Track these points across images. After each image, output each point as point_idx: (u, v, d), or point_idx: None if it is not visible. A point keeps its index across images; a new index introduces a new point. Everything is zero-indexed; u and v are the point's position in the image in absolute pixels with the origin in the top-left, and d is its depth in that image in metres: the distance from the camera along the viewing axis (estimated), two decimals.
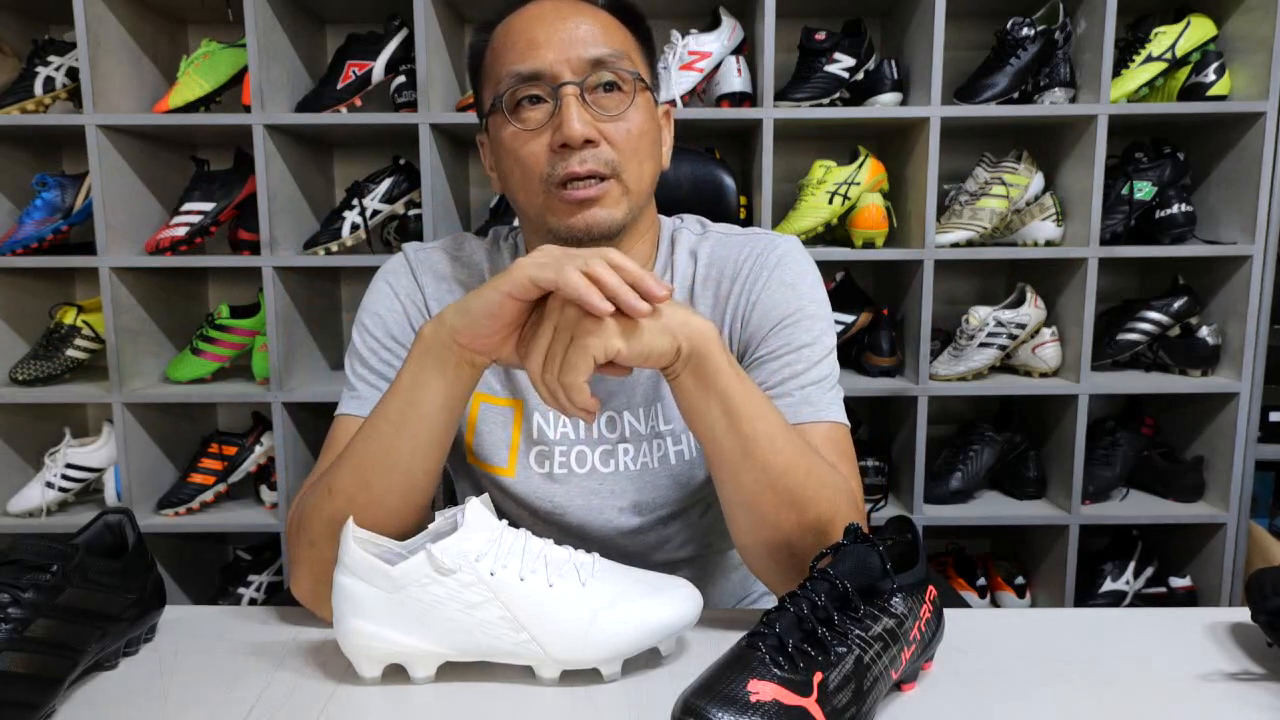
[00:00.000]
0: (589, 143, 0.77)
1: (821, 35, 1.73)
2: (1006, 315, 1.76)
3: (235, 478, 1.81)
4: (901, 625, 0.61)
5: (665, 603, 0.68)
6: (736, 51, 1.77)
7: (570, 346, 0.64)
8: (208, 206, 1.74)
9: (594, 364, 0.64)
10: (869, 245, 1.75)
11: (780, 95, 1.73)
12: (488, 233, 0.97)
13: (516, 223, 0.95)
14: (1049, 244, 1.76)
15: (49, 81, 1.70)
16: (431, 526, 0.68)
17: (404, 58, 1.74)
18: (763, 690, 0.53)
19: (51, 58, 1.71)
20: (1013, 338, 1.77)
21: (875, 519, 1.74)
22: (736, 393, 0.69)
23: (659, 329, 0.66)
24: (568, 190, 0.78)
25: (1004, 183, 1.76)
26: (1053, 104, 1.71)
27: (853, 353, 1.88)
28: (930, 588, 0.65)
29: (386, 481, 0.72)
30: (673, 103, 1.70)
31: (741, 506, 0.74)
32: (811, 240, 1.79)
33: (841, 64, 1.74)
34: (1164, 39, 1.72)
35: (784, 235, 0.91)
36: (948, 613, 0.69)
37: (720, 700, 0.53)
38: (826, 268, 1.82)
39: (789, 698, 0.53)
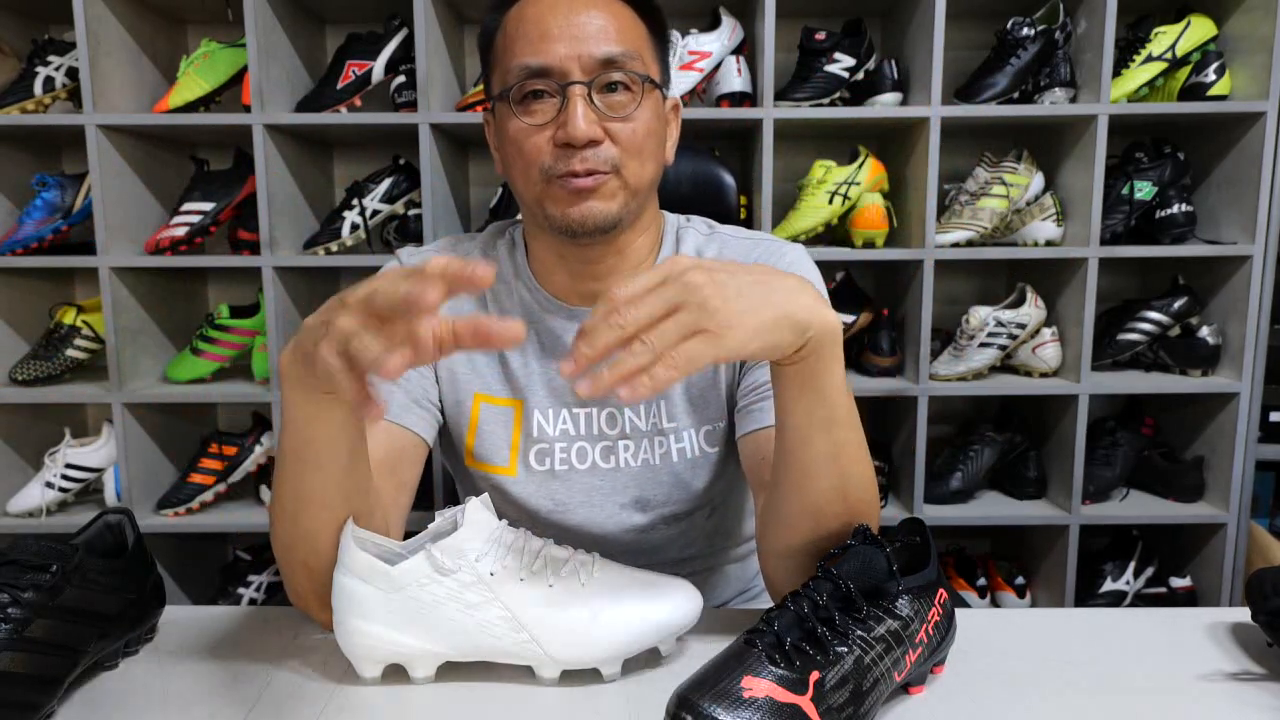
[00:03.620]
0: (592, 142, 0.76)
1: (821, 35, 1.73)
2: (1006, 315, 1.76)
3: (235, 478, 1.81)
4: (907, 628, 0.60)
5: (665, 603, 0.68)
6: (736, 51, 1.77)
7: (693, 338, 0.55)
8: (207, 206, 1.74)
9: (704, 366, 0.57)
10: (869, 245, 1.75)
11: (780, 95, 1.73)
12: (486, 230, 0.97)
13: (519, 216, 0.95)
14: (1049, 244, 1.76)
15: (49, 81, 1.70)
16: (431, 526, 0.68)
17: (404, 58, 1.74)
18: (756, 687, 0.53)
19: (51, 58, 1.71)
20: (1013, 338, 1.77)
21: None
22: (840, 395, 0.66)
23: (785, 321, 0.59)
24: (565, 180, 0.77)
25: (1004, 183, 1.76)
26: (1053, 104, 1.71)
27: (853, 353, 1.88)
28: (941, 591, 0.65)
29: (310, 516, 0.68)
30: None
31: (807, 512, 0.70)
32: (811, 240, 1.79)
33: (841, 64, 1.74)
34: (1164, 39, 1.72)
35: (791, 243, 0.92)
36: None
37: (714, 695, 0.53)
38: (826, 268, 1.82)
39: (783, 695, 0.53)
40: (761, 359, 0.60)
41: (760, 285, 0.59)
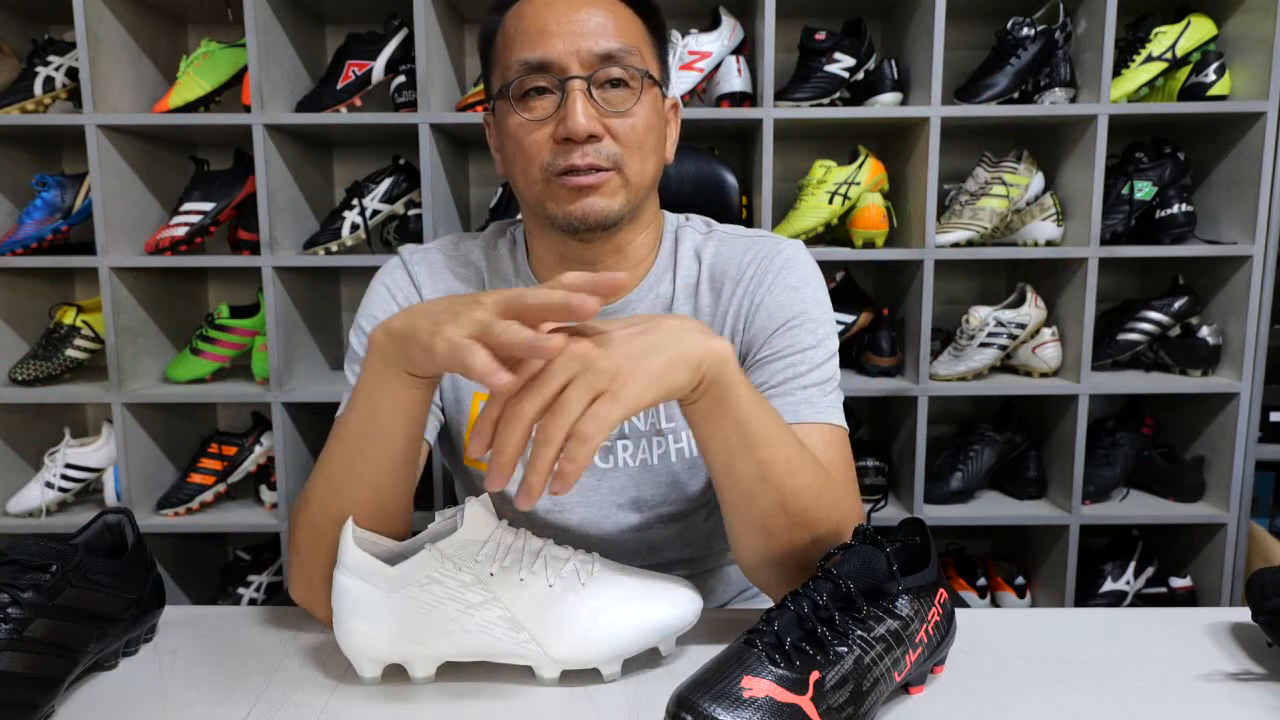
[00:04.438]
0: (592, 137, 0.77)
1: (821, 35, 1.73)
2: (1006, 315, 1.76)
3: (235, 478, 1.81)
4: (907, 627, 0.60)
5: (665, 603, 0.68)
6: (736, 51, 1.77)
7: (594, 404, 0.56)
8: (207, 206, 1.74)
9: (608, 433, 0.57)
10: (869, 245, 1.75)
11: (780, 95, 1.73)
12: (487, 229, 0.97)
13: (520, 216, 0.95)
14: (1049, 244, 1.76)
15: (49, 81, 1.70)
16: (431, 526, 0.68)
17: (404, 57, 1.74)
18: (756, 686, 0.53)
19: (51, 58, 1.71)
20: (1013, 338, 1.77)
21: (877, 519, 1.74)
22: (754, 417, 0.67)
23: (676, 362, 0.61)
24: (566, 178, 0.78)
25: (1004, 183, 1.76)
26: (1053, 104, 1.71)
27: (853, 353, 1.88)
28: (941, 591, 0.65)
29: (354, 492, 0.70)
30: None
31: (753, 529, 0.71)
32: (811, 240, 1.79)
33: (841, 64, 1.74)
34: (1164, 39, 1.72)
35: (789, 239, 0.91)
36: None
37: (714, 695, 0.53)
38: (826, 268, 1.82)
39: (783, 695, 0.53)
40: (665, 401, 0.62)
41: (642, 335, 0.61)
